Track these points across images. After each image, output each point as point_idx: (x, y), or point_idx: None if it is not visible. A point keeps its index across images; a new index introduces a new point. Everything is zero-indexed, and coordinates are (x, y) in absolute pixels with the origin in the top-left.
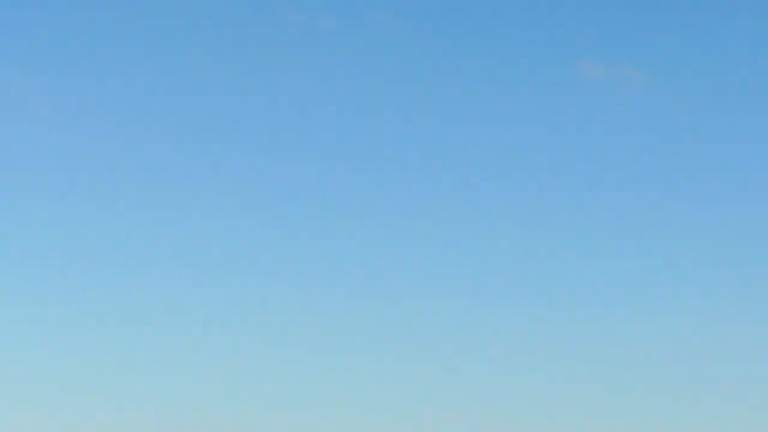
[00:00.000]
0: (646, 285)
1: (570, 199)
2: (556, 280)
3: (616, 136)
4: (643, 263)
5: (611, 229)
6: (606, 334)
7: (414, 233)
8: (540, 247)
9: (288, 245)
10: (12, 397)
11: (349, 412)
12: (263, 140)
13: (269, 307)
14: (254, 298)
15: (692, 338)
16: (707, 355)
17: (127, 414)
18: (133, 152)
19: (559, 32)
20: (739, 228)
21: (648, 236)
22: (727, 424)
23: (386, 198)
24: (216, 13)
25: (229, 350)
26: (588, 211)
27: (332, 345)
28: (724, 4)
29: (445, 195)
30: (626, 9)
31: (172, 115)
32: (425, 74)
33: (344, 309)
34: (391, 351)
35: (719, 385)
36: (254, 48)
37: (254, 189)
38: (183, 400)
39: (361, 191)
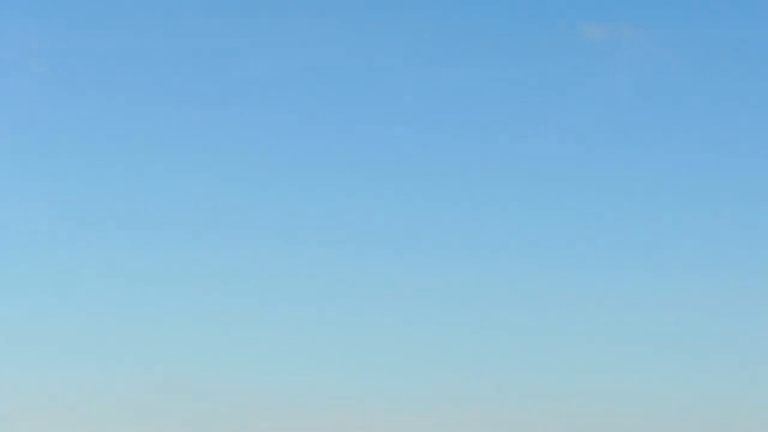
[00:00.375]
0: (649, 238)
1: (570, 156)
2: (555, 232)
3: (615, 95)
4: (642, 216)
5: (610, 186)
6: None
7: (414, 187)
8: (540, 199)
9: (294, 204)
10: (15, 358)
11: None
12: (263, 97)
13: (274, 265)
14: (258, 256)
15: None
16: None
17: (131, 372)
18: (132, 110)
19: None
20: (739, 181)
21: (648, 192)
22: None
23: (386, 152)
24: None
25: (231, 308)
26: (588, 169)
27: (334, 303)
28: None
29: (444, 151)
30: None
31: (172, 71)
32: (429, 35)
33: (348, 265)
34: (394, 306)
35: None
36: (256, 6)
37: (255, 146)
38: (188, 363)
39: (362, 146)
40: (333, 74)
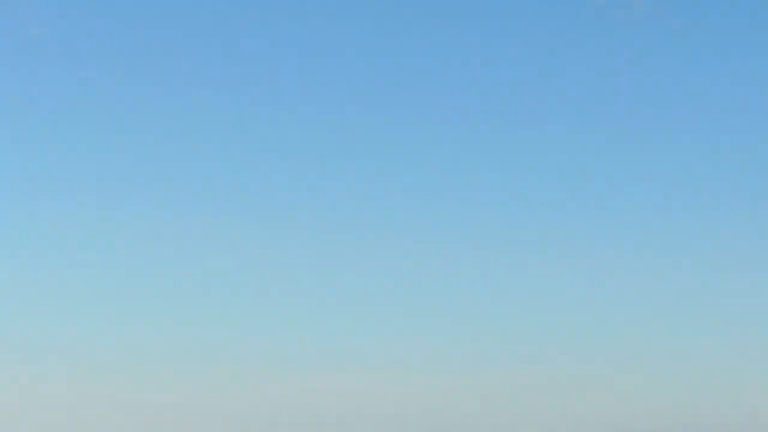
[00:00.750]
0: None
1: (574, 115)
2: (557, 198)
3: (619, 55)
4: (643, 173)
5: (613, 144)
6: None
7: (406, 171)
8: (544, 157)
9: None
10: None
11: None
12: (256, 50)
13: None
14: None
15: None
16: None
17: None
18: (132, 72)
19: None
20: (741, 137)
21: (650, 151)
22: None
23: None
24: None
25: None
26: (592, 126)
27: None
28: None
29: (449, 107)
30: None
31: (174, 32)
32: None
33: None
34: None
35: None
36: None
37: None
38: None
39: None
40: (336, 66)
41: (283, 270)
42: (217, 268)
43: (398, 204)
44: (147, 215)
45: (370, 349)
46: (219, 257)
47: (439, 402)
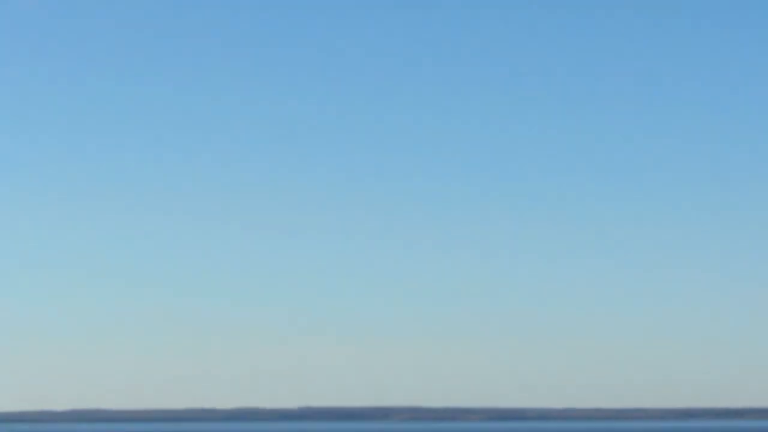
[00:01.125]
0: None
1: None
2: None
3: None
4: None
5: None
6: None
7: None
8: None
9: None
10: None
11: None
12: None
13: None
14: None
15: None
16: None
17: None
18: (126, 34)
19: None
20: (738, 138)
21: (651, 95)
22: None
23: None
24: None
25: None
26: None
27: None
28: None
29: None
30: None
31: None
32: None
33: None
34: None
35: None
36: None
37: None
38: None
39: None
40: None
41: (286, 264)
42: (218, 261)
43: (396, 200)
44: (148, 215)
45: (360, 323)
46: (218, 254)
47: (430, 367)
